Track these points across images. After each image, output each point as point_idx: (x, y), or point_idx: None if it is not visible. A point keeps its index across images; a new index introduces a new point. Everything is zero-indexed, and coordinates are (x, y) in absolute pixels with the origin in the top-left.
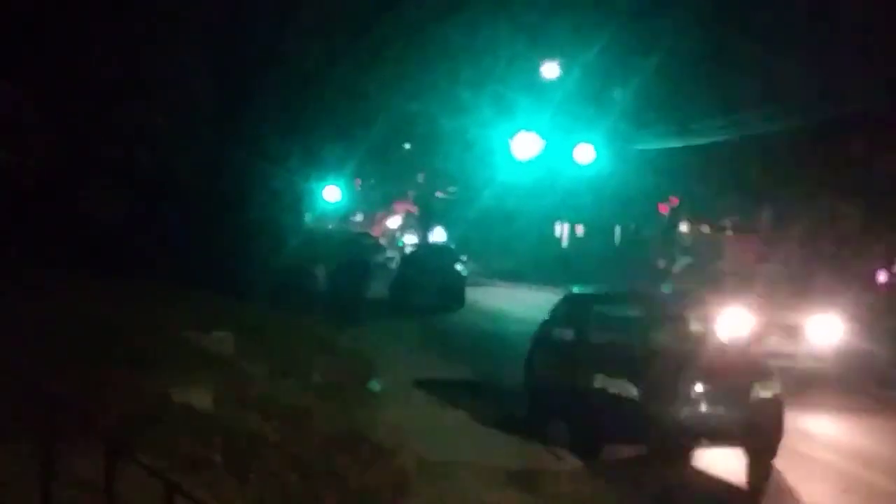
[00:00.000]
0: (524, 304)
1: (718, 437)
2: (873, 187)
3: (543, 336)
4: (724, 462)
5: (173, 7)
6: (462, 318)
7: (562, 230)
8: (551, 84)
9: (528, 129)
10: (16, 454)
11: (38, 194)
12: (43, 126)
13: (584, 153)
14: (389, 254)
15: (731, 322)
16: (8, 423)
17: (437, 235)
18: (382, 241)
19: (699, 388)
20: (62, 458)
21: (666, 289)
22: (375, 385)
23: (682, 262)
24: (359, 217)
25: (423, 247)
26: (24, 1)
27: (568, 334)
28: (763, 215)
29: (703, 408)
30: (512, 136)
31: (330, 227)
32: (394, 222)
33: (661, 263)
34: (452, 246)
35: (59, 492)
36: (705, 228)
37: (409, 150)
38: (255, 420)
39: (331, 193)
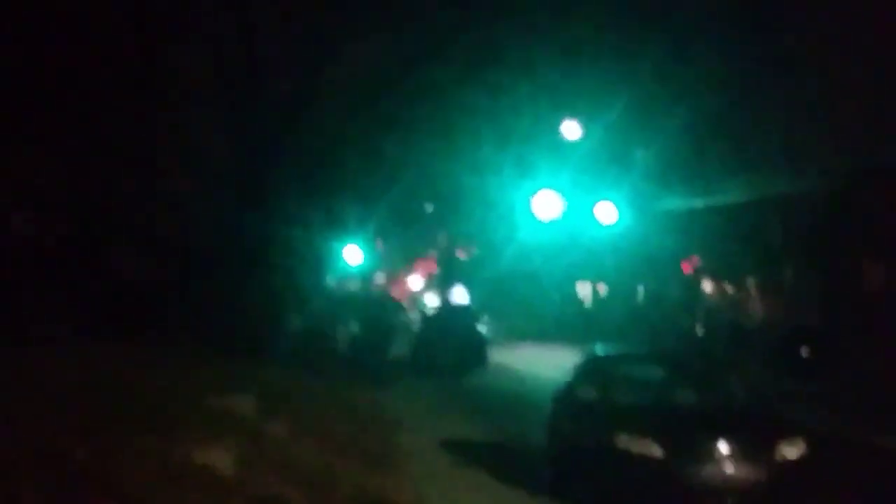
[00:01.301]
0: (547, 364)
1: (743, 497)
2: None
3: (566, 396)
4: None
5: (194, 70)
6: (485, 379)
7: (584, 290)
8: (573, 144)
9: (549, 189)
10: None
11: (62, 259)
12: (66, 192)
13: (607, 212)
14: (411, 315)
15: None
16: (29, 488)
17: (459, 295)
18: (404, 302)
19: (723, 447)
20: None
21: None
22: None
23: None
24: (380, 278)
25: (445, 308)
26: (47, 68)
27: (590, 394)
28: (785, 274)
29: (728, 468)
30: (534, 195)
31: (351, 288)
32: (415, 283)
33: (687, 323)
34: (474, 306)
35: None
36: (728, 288)
37: (430, 210)
38: (277, 483)
39: (351, 254)
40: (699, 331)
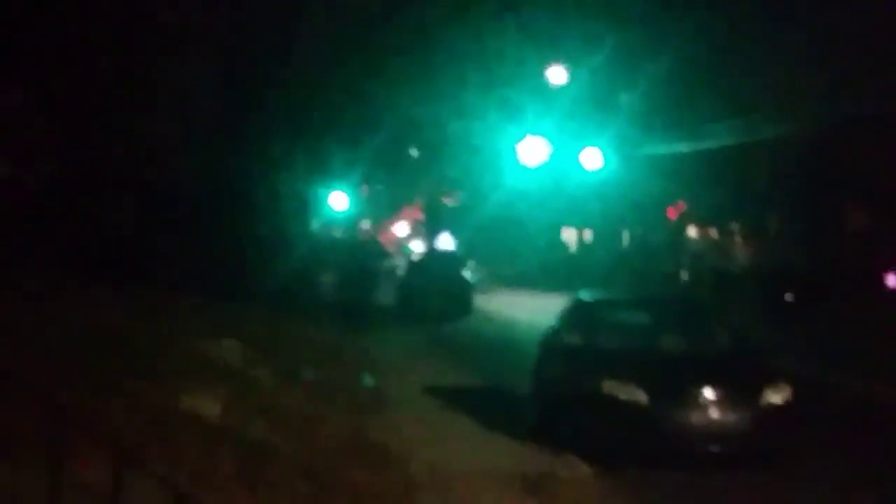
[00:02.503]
0: (532, 310)
1: (728, 442)
2: (881, 190)
3: (551, 342)
4: (733, 467)
5: (180, 14)
6: (470, 325)
7: (569, 236)
8: (558, 89)
9: (535, 135)
10: (23, 463)
11: (47, 205)
12: (50, 136)
13: (592, 158)
14: (396, 261)
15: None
16: (15, 433)
17: (445, 241)
18: (389, 248)
19: (709, 393)
20: (70, 468)
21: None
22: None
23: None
24: (366, 224)
25: (430, 253)
26: (30, 10)
27: (576, 339)
28: (770, 219)
29: (713, 413)
30: (519, 141)
31: (336, 233)
32: (401, 229)
33: (671, 269)
34: (460, 252)
35: (66, 501)
36: (713, 233)
37: (416, 155)
38: (263, 428)
39: (337, 201)
40: (684, 276)
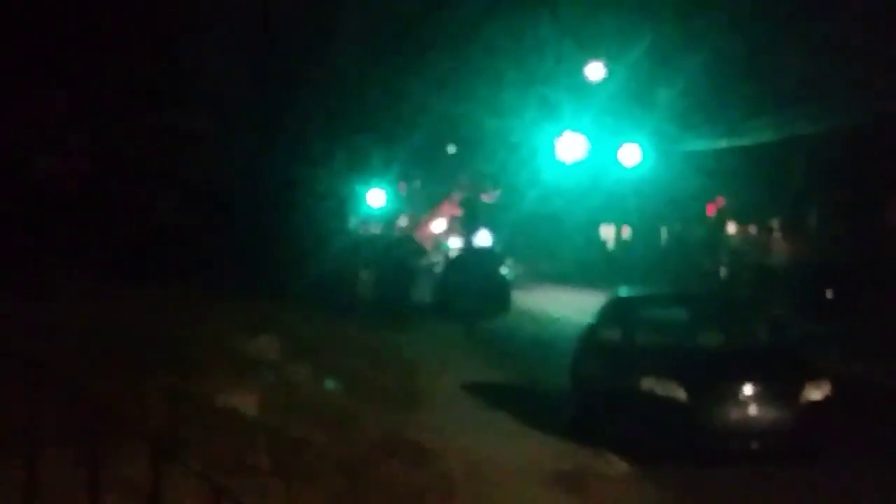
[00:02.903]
0: (570, 307)
1: (767, 439)
2: None
3: (590, 338)
4: (773, 465)
5: (217, 11)
6: (508, 322)
7: (607, 232)
8: (596, 85)
9: (573, 131)
10: (62, 459)
11: (84, 200)
12: (87, 132)
13: (630, 154)
14: (434, 258)
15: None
16: (55, 429)
17: (482, 238)
18: (427, 245)
19: (748, 389)
20: (108, 463)
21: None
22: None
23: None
24: (403, 221)
25: (468, 250)
26: (70, 8)
27: (614, 336)
28: (809, 215)
29: (753, 410)
30: (557, 137)
31: (374, 231)
32: (438, 226)
33: (708, 265)
34: (497, 249)
35: (105, 496)
36: (753, 230)
37: (453, 152)
38: (300, 424)
39: (375, 197)
40: (723, 273)
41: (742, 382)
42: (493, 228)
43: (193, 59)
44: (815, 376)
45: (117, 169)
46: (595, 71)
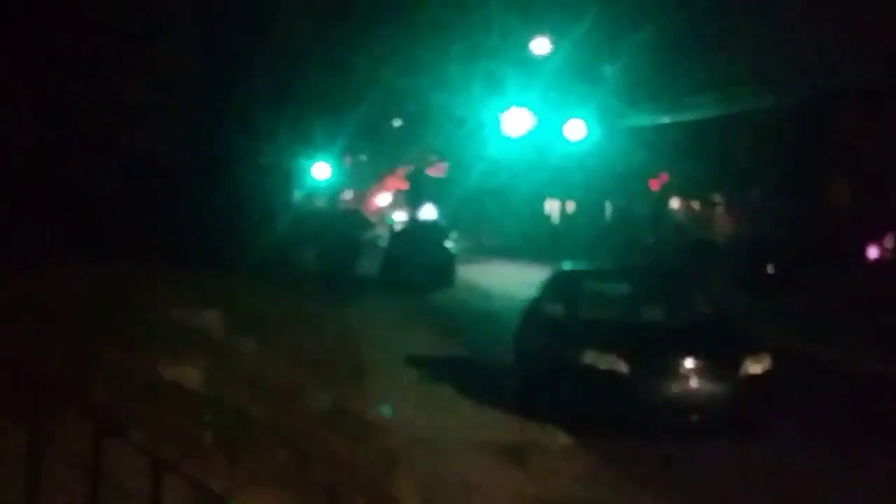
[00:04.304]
0: (514, 281)
1: (707, 412)
2: (863, 162)
3: (533, 312)
4: (713, 437)
5: None
6: (452, 296)
7: (552, 207)
8: (542, 60)
9: (518, 105)
10: (2, 432)
11: (24, 172)
12: (27, 103)
13: (575, 129)
14: (379, 231)
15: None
16: None
17: (427, 212)
18: (372, 219)
19: (689, 363)
20: (49, 436)
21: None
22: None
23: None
24: (348, 194)
25: (413, 224)
26: None
27: (558, 310)
28: (752, 191)
29: (693, 383)
30: (503, 112)
31: (319, 204)
32: (383, 199)
33: (651, 240)
34: (442, 223)
35: (46, 469)
36: (696, 205)
37: (399, 126)
38: (244, 398)
39: (320, 170)
40: (666, 247)
41: (683, 356)
42: (439, 202)
43: (140, 29)
44: (755, 350)
45: (59, 141)
46: (540, 46)
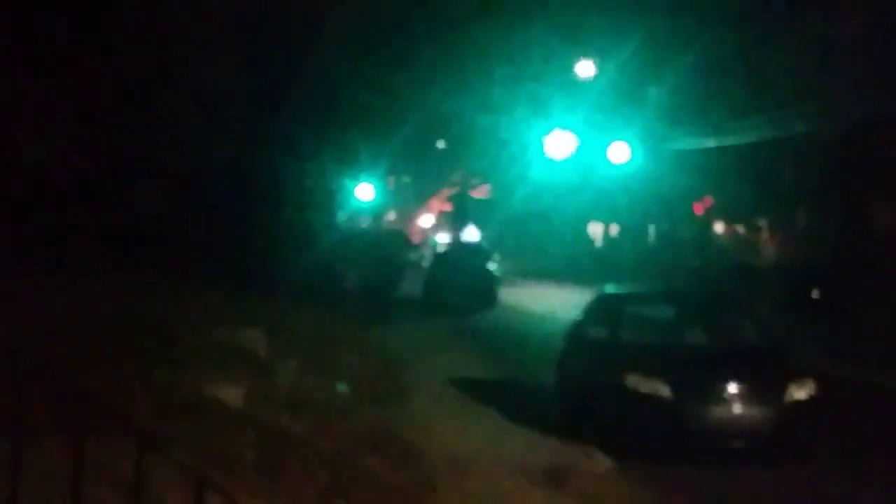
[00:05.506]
0: (557, 304)
1: (751, 437)
2: None
3: (576, 335)
4: (756, 463)
5: (207, 4)
6: (494, 318)
7: (596, 230)
8: (586, 83)
9: (562, 128)
10: (47, 451)
11: (72, 192)
12: (77, 124)
13: (619, 152)
14: (422, 252)
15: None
16: (39, 420)
17: (470, 234)
18: (415, 240)
19: (732, 388)
20: (93, 455)
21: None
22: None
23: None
24: (392, 215)
25: (456, 246)
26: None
27: (600, 333)
28: (797, 215)
29: (737, 408)
30: (546, 134)
31: (363, 225)
32: (427, 221)
33: (696, 263)
34: (485, 245)
35: (89, 488)
36: (740, 229)
37: (443, 148)
38: (286, 417)
39: (363, 192)
40: (710, 271)
41: (726, 381)
42: (482, 224)
43: (184, 51)
44: (799, 376)
45: (105, 159)
46: (585, 68)
